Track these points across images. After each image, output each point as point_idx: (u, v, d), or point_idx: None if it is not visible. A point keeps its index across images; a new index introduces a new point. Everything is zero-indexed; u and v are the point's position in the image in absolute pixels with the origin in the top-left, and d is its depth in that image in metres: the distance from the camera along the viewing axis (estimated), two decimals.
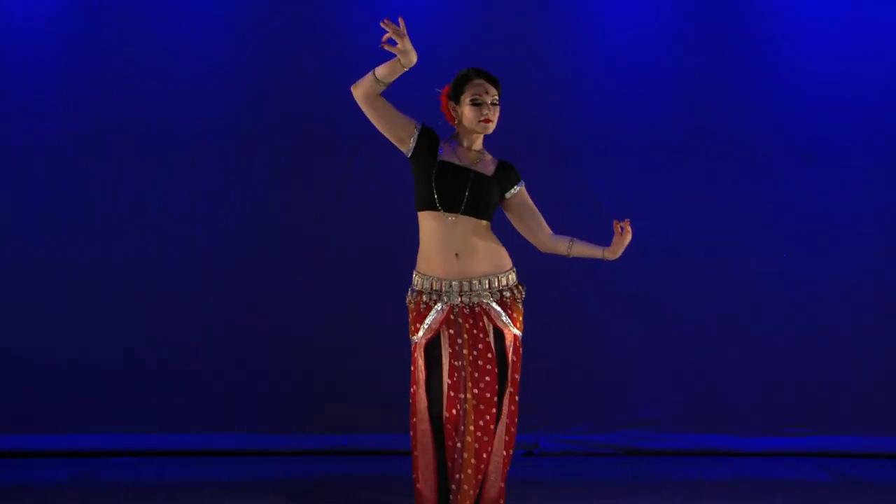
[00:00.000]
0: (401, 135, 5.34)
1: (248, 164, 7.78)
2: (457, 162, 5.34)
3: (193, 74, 7.75)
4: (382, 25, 5.02)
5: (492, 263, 5.36)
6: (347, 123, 6.89)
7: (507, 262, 5.43)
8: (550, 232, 5.50)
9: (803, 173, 7.86)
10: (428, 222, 5.34)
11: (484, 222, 5.35)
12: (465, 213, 5.29)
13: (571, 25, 7.86)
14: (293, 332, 7.76)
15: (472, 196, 5.29)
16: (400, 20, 5.03)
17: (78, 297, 7.71)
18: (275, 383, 7.76)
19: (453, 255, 5.29)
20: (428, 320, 5.32)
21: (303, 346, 7.76)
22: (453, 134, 5.46)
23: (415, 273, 5.43)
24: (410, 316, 5.39)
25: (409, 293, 5.43)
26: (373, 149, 7.44)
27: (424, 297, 5.35)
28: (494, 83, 5.38)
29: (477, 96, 5.30)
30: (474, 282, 5.31)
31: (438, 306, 5.32)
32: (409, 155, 5.36)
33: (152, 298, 7.73)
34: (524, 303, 5.46)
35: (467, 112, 5.33)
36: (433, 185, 5.27)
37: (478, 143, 5.44)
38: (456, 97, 5.39)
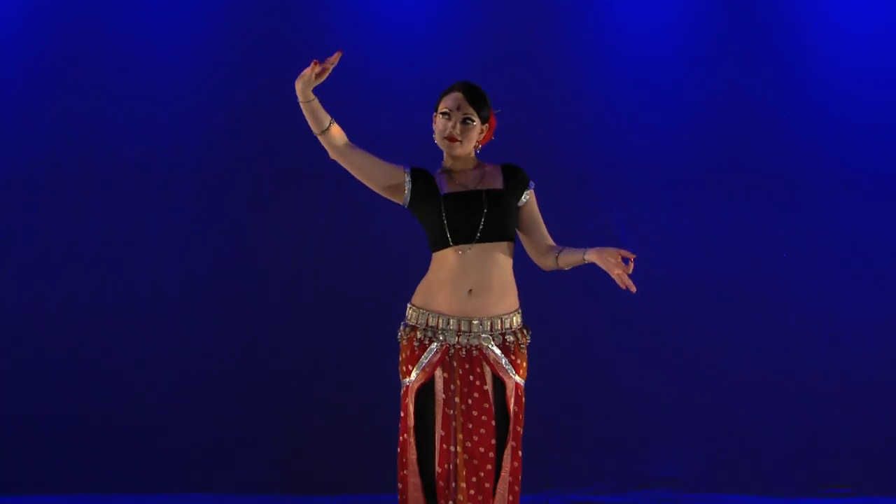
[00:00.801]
0: (390, 184, 5.15)
1: (225, 196, 7.47)
2: (461, 189, 5.09)
3: (164, 98, 7.44)
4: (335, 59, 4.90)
5: (501, 303, 5.09)
6: None
7: (514, 302, 5.15)
8: (552, 244, 5.21)
9: (842, 203, 7.60)
10: (446, 257, 5.06)
11: (507, 243, 5.08)
12: (485, 239, 5.03)
13: (585, 40, 7.62)
14: (275, 382, 7.43)
15: (491, 218, 5.03)
16: (338, 54, 4.90)
17: (35, 345, 7.37)
18: (255, 439, 7.42)
19: (465, 292, 5.02)
20: (422, 361, 5.04)
21: (286, 397, 7.42)
22: (442, 161, 5.24)
23: (409, 306, 5.14)
24: (402, 355, 5.11)
25: (402, 328, 5.15)
26: None
27: (419, 334, 5.07)
28: (474, 98, 5.10)
29: (446, 109, 5.06)
30: (474, 322, 5.02)
31: (434, 346, 5.05)
32: (406, 205, 5.14)
33: (119, 347, 7.38)
34: (529, 347, 5.21)
35: (436, 126, 5.11)
36: (445, 223, 5.02)
37: (467, 159, 5.17)
38: (436, 109, 5.17)
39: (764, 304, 7.57)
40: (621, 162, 7.58)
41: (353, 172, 5.13)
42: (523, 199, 5.17)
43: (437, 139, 5.11)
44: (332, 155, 5.07)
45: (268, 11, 7.53)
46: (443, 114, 5.05)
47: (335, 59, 4.86)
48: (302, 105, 4.93)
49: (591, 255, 4.90)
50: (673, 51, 7.64)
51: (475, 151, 5.18)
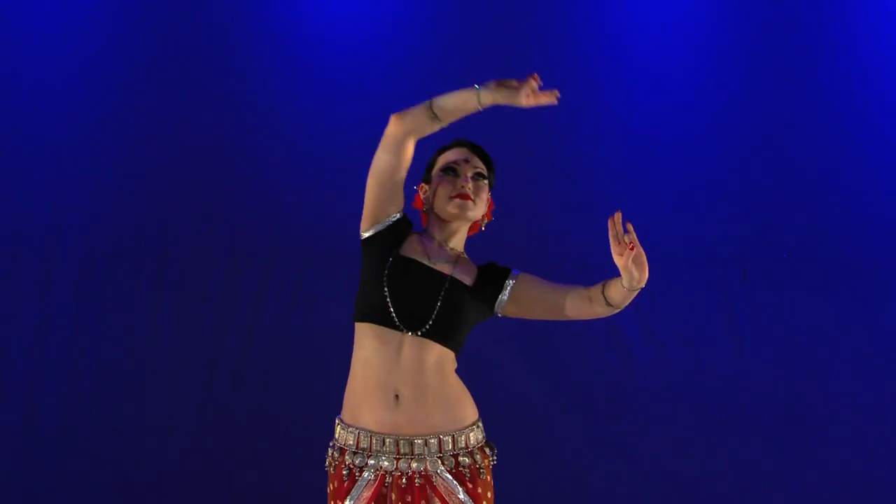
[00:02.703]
0: (382, 208, 4.49)
1: (119, 281, 6.96)
2: (425, 261, 4.47)
3: (37, 153, 6.92)
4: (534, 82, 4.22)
5: (447, 414, 4.44)
6: (264, 217, 6.30)
7: (471, 414, 4.51)
8: (582, 290, 4.59)
9: None
10: (368, 342, 4.42)
11: (450, 354, 4.45)
12: (429, 334, 4.38)
13: (587, 84, 7.15)
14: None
15: (445, 310, 4.40)
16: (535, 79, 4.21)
17: None
18: None
19: (391, 397, 4.38)
20: (353, 494, 4.39)
21: None
22: (426, 227, 4.67)
23: (337, 422, 4.55)
24: (330, 486, 4.50)
25: (330, 451, 4.54)
26: (303, 254, 6.79)
27: (348, 459, 4.42)
28: (483, 154, 4.57)
29: (454, 164, 4.49)
30: (417, 441, 4.38)
31: (367, 474, 4.39)
32: (366, 236, 4.51)
33: None
34: (498, 473, 4.57)
35: (439, 187, 4.50)
36: (385, 287, 4.39)
37: (457, 239, 4.56)
38: (428, 175, 4.62)
39: (811, 421, 7.10)
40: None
41: (382, 168, 4.40)
42: (507, 287, 4.51)
43: (441, 204, 4.49)
44: (402, 134, 4.35)
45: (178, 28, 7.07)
46: (447, 170, 4.49)
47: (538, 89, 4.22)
48: (474, 103, 4.22)
49: (628, 282, 4.42)
50: (696, 97, 7.28)
51: (471, 232, 4.62)
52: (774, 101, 7.19)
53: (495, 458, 4.52)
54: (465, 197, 4.45)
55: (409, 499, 4.34)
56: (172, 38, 7.05)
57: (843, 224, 7.16)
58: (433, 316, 4.38)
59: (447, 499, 4.33)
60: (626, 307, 6.55)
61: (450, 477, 4.35)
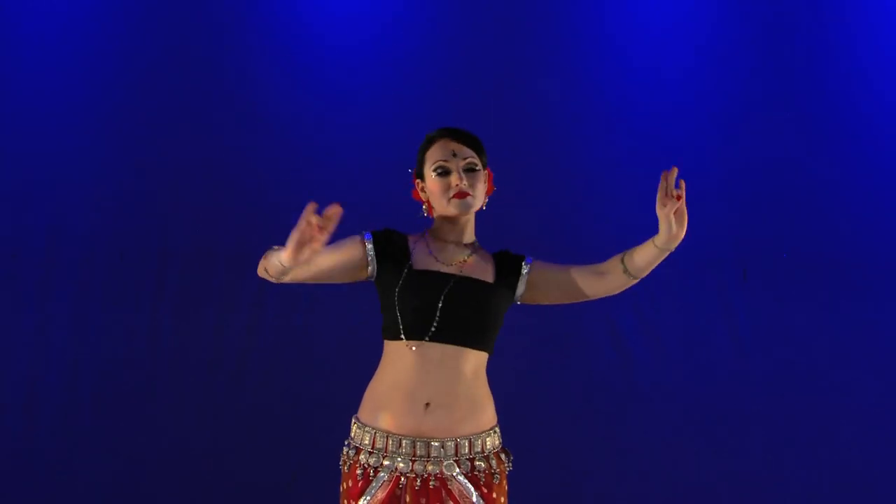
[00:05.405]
0: (354, 263, 4.45)
1: (119, 281, 6.84)
2: (439, 268, 4.44)
3: (37, 156, 6.84)
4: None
5: (470, 420, 4.41)
6: (264, 216, 6.18)
7: (490, 418, 4.47)
8: (593, 266, 4.59)
9: None
10: (399, 356, 4.39)
11: (484, 355, 4.41)
12: (459, 341, 4.35)
13: (587, 84, 7.10)
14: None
15: (469, 316, 4.36)
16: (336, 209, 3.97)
17: None
18: None
19: (421, 406, 4.34)
20: (366, 496, 4.36)
21: None
22: (430, 228, 4.60)
23: (354, 420, 4.47)
24: (343, 485, 4.44)
25: (345, 450, 4.48)
26: None
27: (363, 459, 4.38)
28: (470, 141, 4.46)
29: (443, 162, 4.40)
30: (433, 444, 4.32)
31: (382, 474, 4.35)
32: (374, 279, 4.48)
33: None
34: (511, 477, 4.53)
35: (433, 188, 4.43)
36: (397, 305, 4.35)
37: (467, 234, 4.51)
38: (421, 172, 4.52)
39: (810, 421, 6.99)
40: (628, 238, 6.77)
41: (314, 280, 4.44)
42: (522, 278, 4.50)
43: (440, 204, 4.45)
44: (282, 279, 4.30)
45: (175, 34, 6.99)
46: (436, 171, 4.41)
47: (334, 213, 3.93)
48: (288, 268, 4.09)
49: (665, 240, 4.57)
50: (696, 97, 7.14)
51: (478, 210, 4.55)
52: (774, 101, 7.12)
53: (511, 464, 4.48)
54: (462, 195, 4.41)
55: (423, 501, 4.32)
56: (172, 38, 6.99)
57: (843, 224, 7.08)
58: (457, 323, 4.36)
59: (461, 502, 4.31)
60: (626, 307, 6.69)
61: (464, 480, 4.33)
